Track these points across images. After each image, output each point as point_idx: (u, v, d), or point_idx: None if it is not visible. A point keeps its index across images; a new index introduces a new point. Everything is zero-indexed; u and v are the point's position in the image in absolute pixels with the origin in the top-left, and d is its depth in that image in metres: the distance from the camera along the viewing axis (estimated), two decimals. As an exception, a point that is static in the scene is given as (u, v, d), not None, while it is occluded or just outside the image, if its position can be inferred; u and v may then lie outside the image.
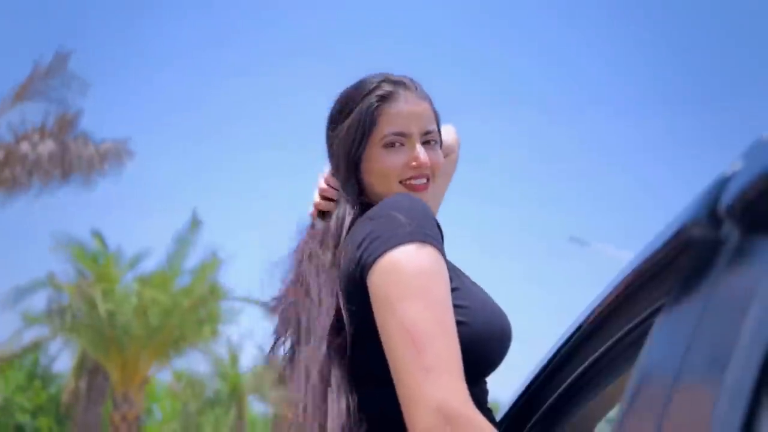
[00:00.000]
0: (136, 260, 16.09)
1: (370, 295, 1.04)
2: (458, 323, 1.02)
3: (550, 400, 1.24)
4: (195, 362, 18.15)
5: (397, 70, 1.30)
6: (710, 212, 0.70)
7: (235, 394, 23.85)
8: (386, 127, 1.21)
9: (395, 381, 0.99)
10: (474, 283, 1.19)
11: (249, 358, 24.79)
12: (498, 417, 1.38)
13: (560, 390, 1.20)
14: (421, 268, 1.00)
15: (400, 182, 1.21)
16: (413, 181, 1.21)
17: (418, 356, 0.94)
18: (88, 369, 16.24)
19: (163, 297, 15.04)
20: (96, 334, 15.12)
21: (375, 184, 1.23)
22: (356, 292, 1.08)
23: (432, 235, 1.05)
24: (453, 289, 1.06)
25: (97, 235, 16.08)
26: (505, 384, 1.65)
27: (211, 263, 15.64)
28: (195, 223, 15.93)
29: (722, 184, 0.69)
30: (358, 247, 1.08)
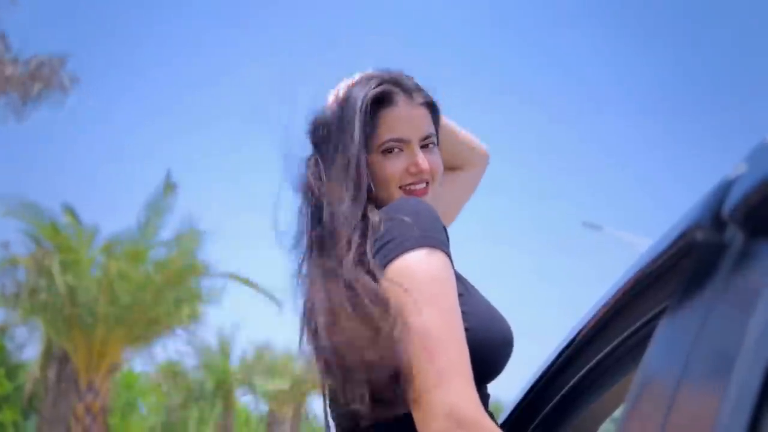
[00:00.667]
0: (116, 239, 14.70)
1: None
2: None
3: (553, 401, 1.31)
4: (175, 349, 17.82)
5: (401, 65, 1.39)
6: (714, 216, 0.76)
7: (222, 387, 23.15)
8: (385, 133, 1.32)
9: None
10: (475, 289, 1.28)
11: (236, 346, 24.80)
12: (501, 418, 1.45)
13: (563, 392, 1.28)
14: (433, 274, 1.09)
15: (400, 188, 1.32)
16: (413, 187, 1.32)
17: (430, 361, 1.03)
18: (57, 357, 15.27)
19: (133, 271, 14.15)
20: (56, 313, 14.04)
21: (377, 190, 1.32)
22: None
23: (441, 240, 1.14)
24: (458, 295, 1.14)
25: (69, 209, 14.78)
26: (511, 384, 1.79)
27: (190, 234, 14.76)
28: (169, 187, 14.87)
29: (726, 187, 0.75)
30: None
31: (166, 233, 15.15)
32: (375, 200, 1.33)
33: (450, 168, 1.60)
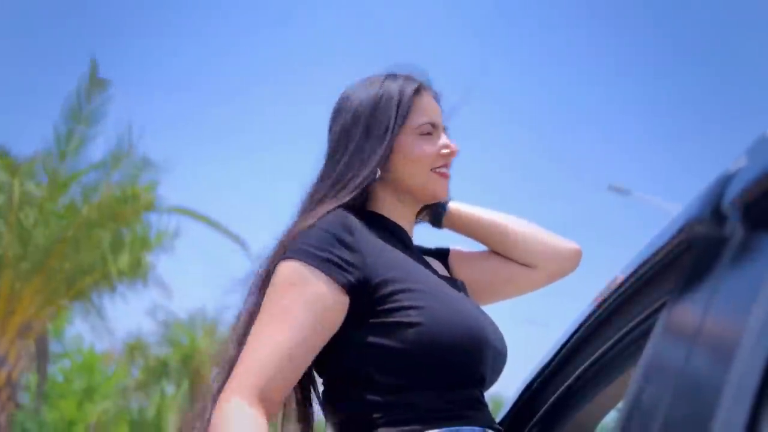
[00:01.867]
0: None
1: None
2: (411, 324, 1.38)
3: (553, 397, 1.44)
4: (122, 312, 16.85)
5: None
6: (714, 209, 0.87)
7: (189, 364, 22.38)
8: (421, 116, 1.64)
9: None
10: (441, 282, 1.53)
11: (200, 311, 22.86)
12: (502, 413, 1.59)
13: (563, 387, 1.41)
14: (275, 284, 1.46)
15: (431, 170, 1.65)
16: (443, 170, 1.66)
17: (242, 360, 1.42)
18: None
19: (50, 199, 12.60)
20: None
21: (404, 171, 1.65)
22: None
23: (306, 251, 1.46)
24: (403, 291, 1.42)
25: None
26: (511, 382, 2.06)
27: (128, 153, 13.09)
28: (96, 83, 13.14)
29: (726, 180, 0.85)
30: None
31: (98, 153, 12.93)
32: (394, 180, 1.66)
33: (511, 258, 1.85)
